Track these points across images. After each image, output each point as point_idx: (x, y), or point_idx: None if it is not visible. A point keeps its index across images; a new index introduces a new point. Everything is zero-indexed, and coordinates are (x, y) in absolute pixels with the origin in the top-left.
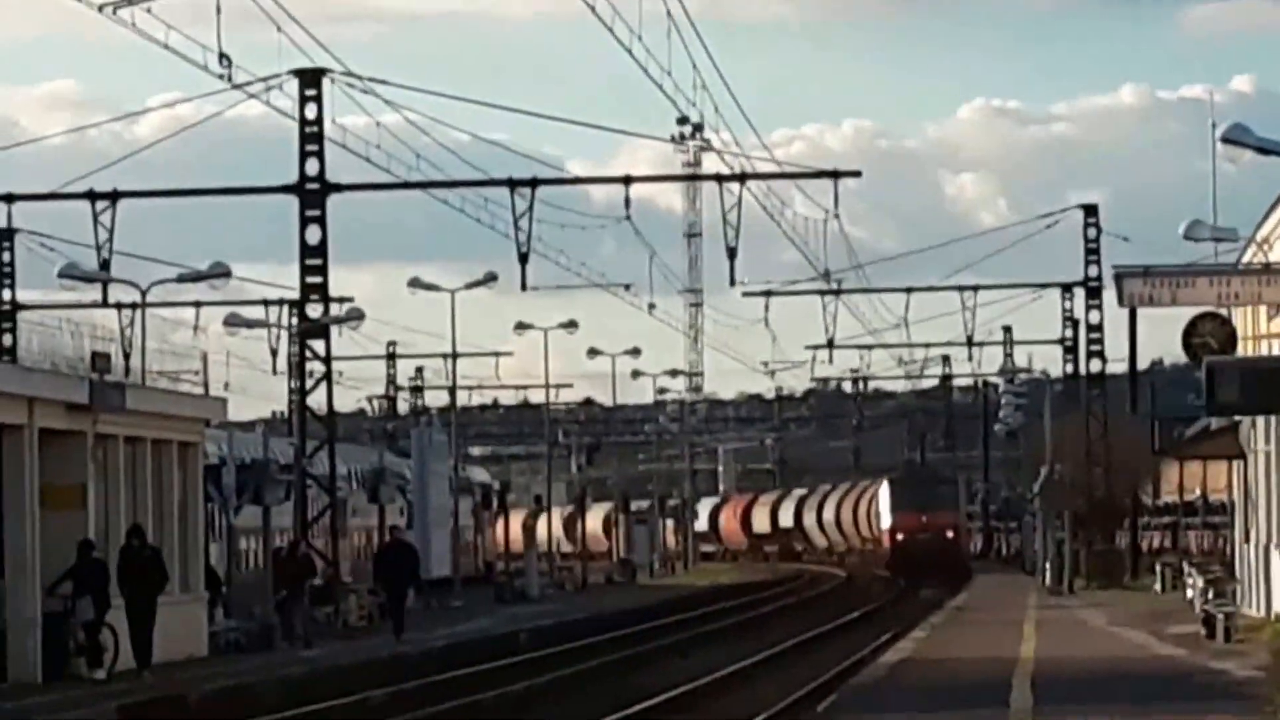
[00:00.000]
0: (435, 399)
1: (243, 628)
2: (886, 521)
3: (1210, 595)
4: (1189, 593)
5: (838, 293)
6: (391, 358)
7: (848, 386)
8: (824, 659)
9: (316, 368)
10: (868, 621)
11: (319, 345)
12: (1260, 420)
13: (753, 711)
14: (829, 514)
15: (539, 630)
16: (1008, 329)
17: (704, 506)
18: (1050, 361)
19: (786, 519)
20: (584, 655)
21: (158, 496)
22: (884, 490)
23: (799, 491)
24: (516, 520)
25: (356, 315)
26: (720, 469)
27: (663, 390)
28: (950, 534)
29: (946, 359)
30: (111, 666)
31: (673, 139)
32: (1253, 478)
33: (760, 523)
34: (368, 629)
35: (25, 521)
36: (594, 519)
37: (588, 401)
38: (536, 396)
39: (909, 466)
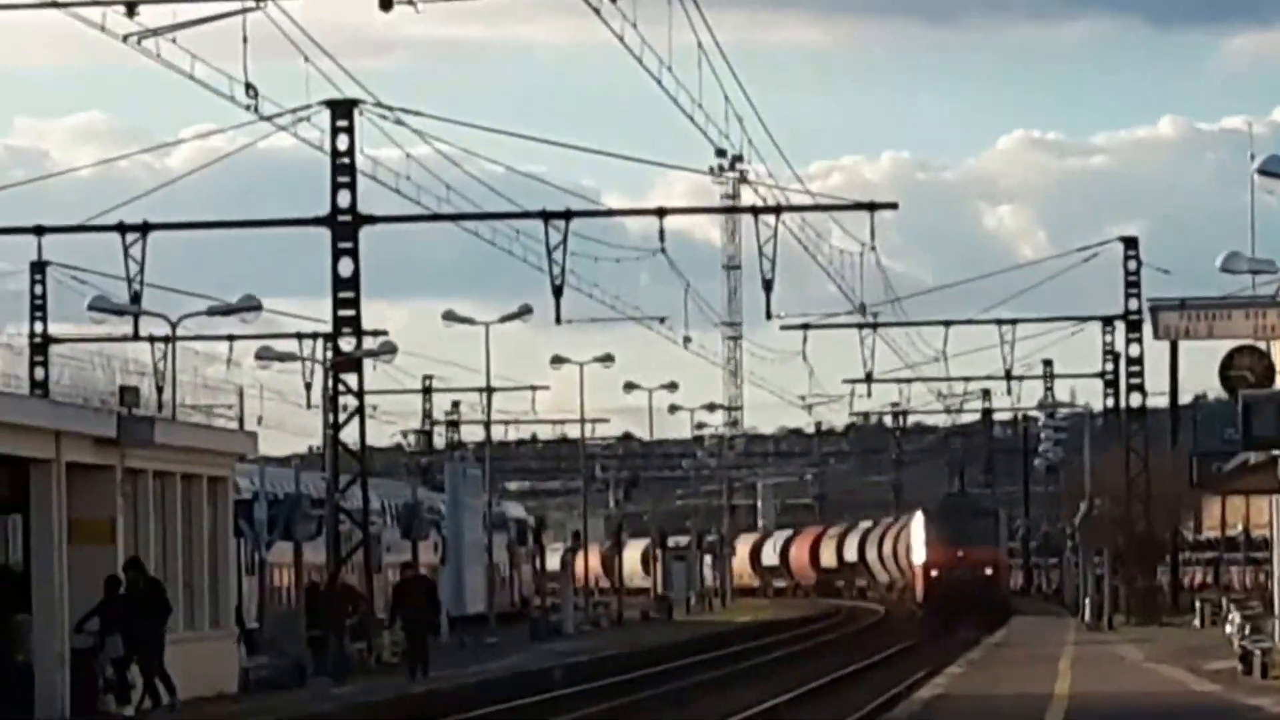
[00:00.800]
0: (471, 434)
1: (274, 664)
2: (920, 556)
3: (1247, 631)
4: (1228, 629)
5: (875, 326)
6: (427, 392)
7: (888, 420)
8: (859, 696)
9: (350, 402)
10: (905, 657)
11: (352, 379)
12: None
13: None
14: (887, 548)
15: (573, 667)
16: (1048, 362)
17: (775, 540)
18: (1091, 395)
19: (851, 553)
20: (618, 692)
21: (187, 531)
22: (917, 522)
23: (865, 525)
24: (553, 557)
25: (389, 349)
26: (759, 504)
27: (700, 425)
28: (990, 571)
29: (987, 393)
30: (140, 703)
31: (710, 171)
32: None
33: (828, 557)
34: (400, 665)
35: (53, 557)
36: (632, 554)
37: (626, 436)
38: (574, 431)
39: (946, 497)
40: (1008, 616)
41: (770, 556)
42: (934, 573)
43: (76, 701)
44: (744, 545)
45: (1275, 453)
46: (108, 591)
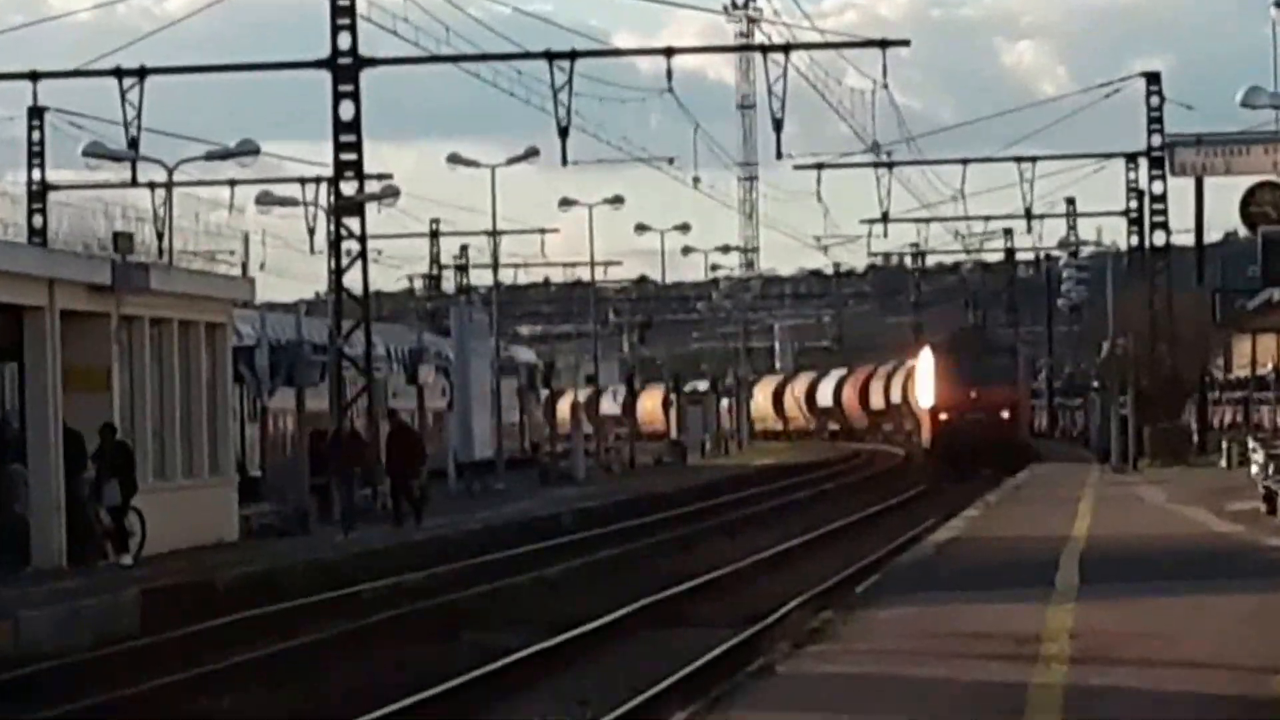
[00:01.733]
0: (480, 278)
1: (277, 512)
2: (927, 398)
3: (1271, 470)
4: (1253, 468)
5: (890, 165)
6: (435, 235)
7: (909, 261)
8: (873, 540)
9: (353, 247)
10: (925, 499)
11: (355, 223)
12: None
13: (795, 592)
14: (895, 389)
15: (583, 512)
16: (1070, 200)
17: (829, 381)
18: (1117, 234)
19: (896, 394)
20: (627, 537)
21: (185, 379)
22: (924, 359)
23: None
24: (564, 401)
25: (392, 192)
26: (776, 346)
27: (715, 267)
28: (1006, 414)
29: (1009, 232)
30: (139, 551)
31: (725, 9)
32: None
33: (876, 399)
34: (409, 512)
35: (48, 405)
36: (651, 399)
37: (642, 279)
38: (587, 274)
39: (958, 332)
40: (1026, 464)
41: (795, 398)
42: (943, 416)
43: (73, 550)
44: (765, 387)
45: None
46: (103, 438)
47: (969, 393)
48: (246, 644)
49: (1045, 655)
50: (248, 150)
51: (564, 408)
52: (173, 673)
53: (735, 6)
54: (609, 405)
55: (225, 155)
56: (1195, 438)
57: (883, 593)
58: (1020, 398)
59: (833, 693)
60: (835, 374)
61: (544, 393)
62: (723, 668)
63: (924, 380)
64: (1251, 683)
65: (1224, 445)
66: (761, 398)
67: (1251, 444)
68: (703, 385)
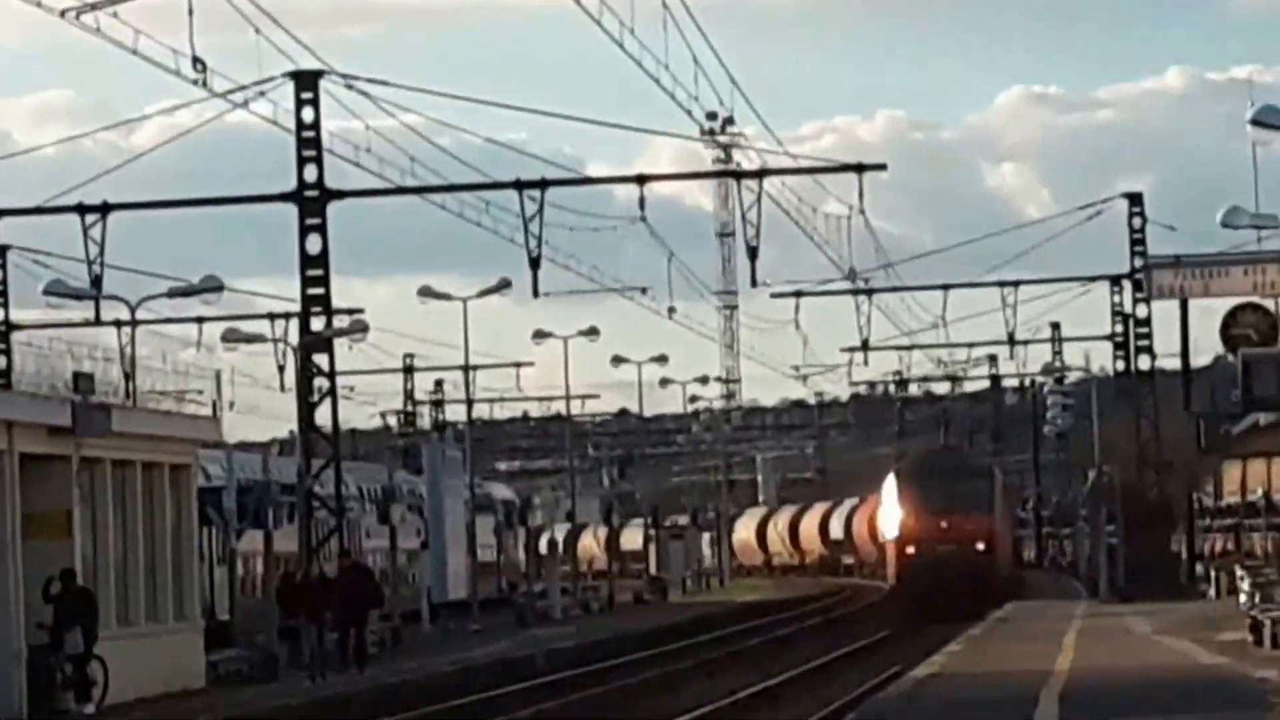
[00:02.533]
0: (457, 413)
1: (245, 657)
2: (892, 529)
3: (1258, 600)
4: (1241, 598)
5: (870, 292)
6: (409, 371)
7: (892, 390)
8: (853, 676)
9: (323, 383)
10: (907, 637)
11: (323, 359)
12: None
13: None
14: (859, 522)
15: (557, 652)
16: (1055, 325)
17: (840, 512)
18: (1105, 358)
19: (837, 530)
20: (604, 678)
21: (149, 522)
22: (889, 486)
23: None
24: (542, 539)
25: (360, 327)
26: (759, 478)
27: (694, 398)
28: (981, 545)
29: (993, 359)
30: (101, 700)
31: (702, 133)
32: None
33: (815, 534)
34: (378, 656)
35: (7, 551)
36: (632, 536)
37: (622, 412)
38: (564, 408)
39: (926, 453)
40: (1007, 601)
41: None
42: (910, 549)
43: (34, 699)
44: (748, 522)
45: None
46: (64, 585)
47: (939, 522)
48: None
49: None
50: (212, 286)
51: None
52: None
53: (712, 133)
54: (589, 542)
55: (189, 292)
56: (1184, 566)
57: None
58: (997, 527)
59: None
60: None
61: (521, 531)
62: None
63: (889, 509)
64: None
65: (1212, 574)
66: (745, 532)
67: (1239, 573)
68: (683, 519)
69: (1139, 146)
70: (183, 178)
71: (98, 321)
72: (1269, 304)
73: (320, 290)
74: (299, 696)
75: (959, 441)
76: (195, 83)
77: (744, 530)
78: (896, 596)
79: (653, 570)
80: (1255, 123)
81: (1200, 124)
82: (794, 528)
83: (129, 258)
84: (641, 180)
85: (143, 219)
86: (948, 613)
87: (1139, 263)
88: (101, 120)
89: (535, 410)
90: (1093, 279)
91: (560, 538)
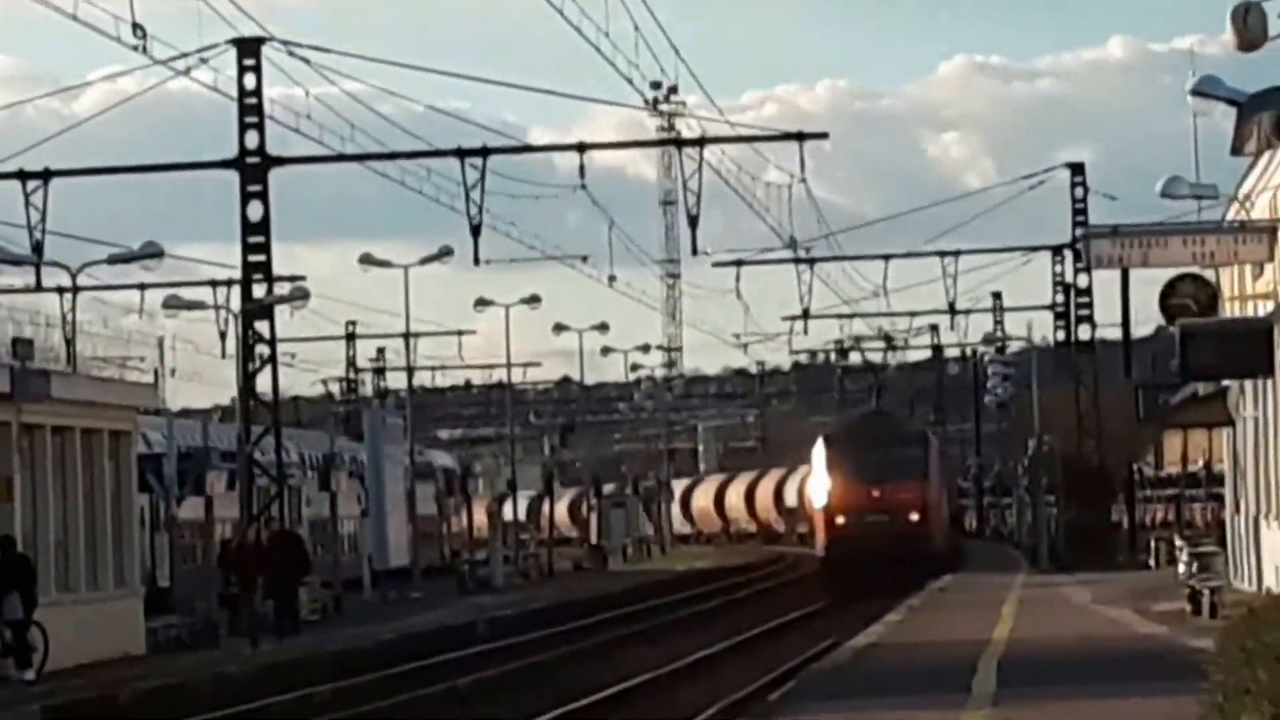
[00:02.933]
0: (399, 381)
1: (185, 624)
2: (821, 497)
3: (1195, 569)
4: (1180, 568)
5: (811, 261)
6: (351, 338)
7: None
8: (792, 645)
9: (265, 350)
10: (848, 607)
11: (264, 326)
12: (1248, 385)
13: (710, 700)
14: (790, 490)
15: (498, 620)
16: (997, 295)
17: (794, 480)
18: (1049, 328)
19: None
20: (542, 646)
21: (89, 488)
22: (818, 453)
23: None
24: (480, 505)
25: (301, 294)
26: (700, 447)
27: (636, 367)
28: (915, 516)
29: (935, 328)
30: (41, 666)
31: (646, 104)
32: (1240, 446)
33: (791, 500)
34: (320, 622)
35: None
36: (561, 504)
37: (564, 380)
38: (506, 376)
39: (857, 418)
40: (943, 572)
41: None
42: (839, 520)
43: None
44: (707, 487)
45: (1225, 384)
46: (3, 551)
47: (869, 491)
48: None
49: None
50: (152, 253)
51: (481, 513)
52: None
53: (656, 102)
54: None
55: (129, 258)
56: (1125, 536)
57: (797, 700)
58: (931, 496)
59: None
60: (745, 476)
61: (460, 498)
62: None
63: (817, 477)
64: None
65: (1152, 544)
66: (704, 500)
67: (1179, 543)
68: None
69: (1081, 117)
70: (125, 144)
71: (39, 288)
72: (1209, 274)
73: (262, 257)
74: (239, 663)
75: (894, 408)
76: (136, 49)
77: (703, 498)
78: (826, 569)
79: (593, 539)
80: (1196, 93)
81: (1142, 94)
82: (750, 495)
83: (70, 224)
84: (582, 148)
85: (84, 185)
86: (878, 587)
87: (1080, 233)
88: (43, 87)
89: (477, 378)
90: (1034, 249)
91: (524, 505)
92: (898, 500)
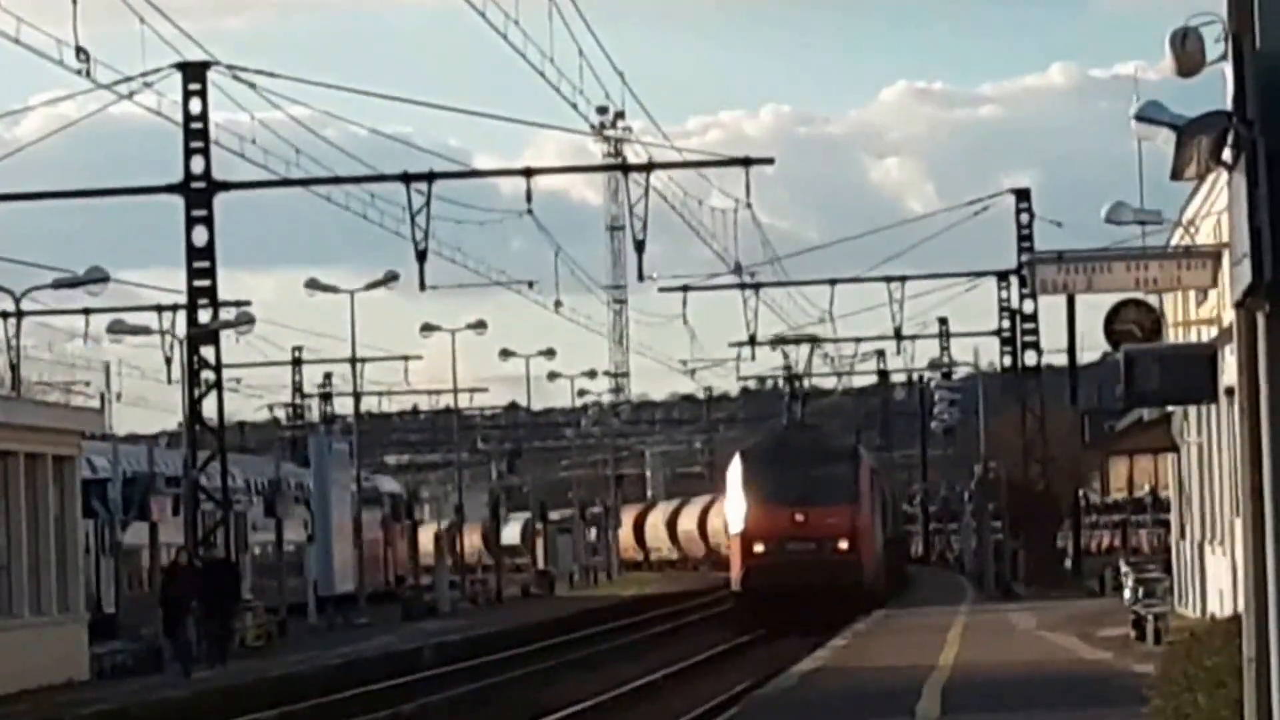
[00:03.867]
0: (346, 407)
1: (129, 650)
2: (737, 523)
3: (1140, 595)
4: (1126, 594)
5: (757, 286)
6: (297, 364)
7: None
8: (738, 671)
9: (210, 376)
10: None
11: (210, 352)
12: (1192, 411)
13: None
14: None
15: (444, 646)
16: (943, 320)
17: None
18: (993, 354)
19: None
20: (489, 671)
21: (33, 513)
22: (734, 471)
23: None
24: (427, 532)
25: (246, 319)
26: (648, 473)
27: (583, 392)
28: (844, 544)
29: (881, 354)
30: None
31: (591, 129)
32: (1185, 471)
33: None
34: (264, 648)
35: None
36: (512, 530)
37: (512, 405)
38: (454, 401)
39: (778, 431)
40: (874, 607)
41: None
42: (758, 547)
43: None
44: (661, 513)
45: (1170, 409)
46: None
47: (792, 515)
48: None
49: None
50: (97, 278)
51: (428, 539)
52: None
53: (603, 127)
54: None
55: (74, 283)
56: (1070, 562)
57: None
58: (861, 521)
59: None
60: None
61: (406, 524)
62: None
63: (733, 499)
64: None
65: (1101, 571)
66: (655, 524)
67: (1124, 568)
68: (569, 513)
69: (1023, 143)
70: (68, 169)
71: None
72: (1153, 300)
73: (207, 282)
74: (181, 689)
75: (823, 421)
76: (79, 73)
77: (656, 524)
78: (742, 603)
79: (540, 564)
80: (1139, 118)
81: (1085, 120)
82: (702, 521)
83: (13, 249)
84: (528, 174)
85: (28, 210)
86: (800, 624)
87: (1025, 259)
88: None
89: (424, 404)
90: (979, 274)
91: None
92: (824, 525)
